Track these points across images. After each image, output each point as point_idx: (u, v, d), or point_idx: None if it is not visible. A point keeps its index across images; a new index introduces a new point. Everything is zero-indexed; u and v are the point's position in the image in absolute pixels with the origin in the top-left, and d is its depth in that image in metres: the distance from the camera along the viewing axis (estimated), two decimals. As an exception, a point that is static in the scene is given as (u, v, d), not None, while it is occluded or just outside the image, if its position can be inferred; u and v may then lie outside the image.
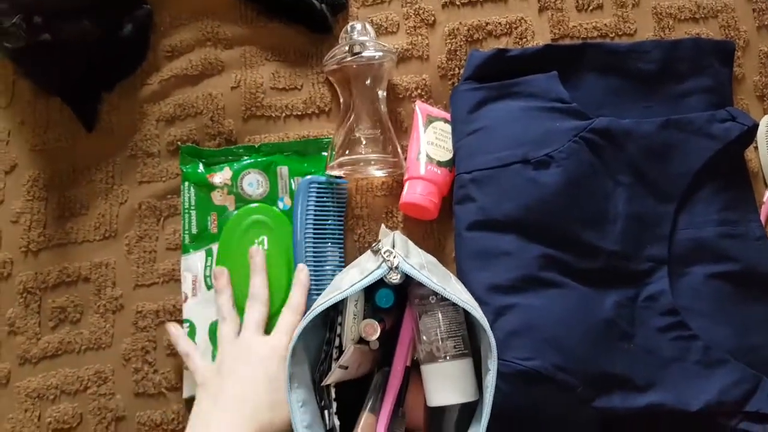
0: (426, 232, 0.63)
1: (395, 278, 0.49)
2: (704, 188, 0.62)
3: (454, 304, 0.52)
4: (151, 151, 0.66)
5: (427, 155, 0.62)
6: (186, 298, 0.61)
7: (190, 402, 0.59)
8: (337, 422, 0.49)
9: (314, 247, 0.62)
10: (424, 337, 0.52)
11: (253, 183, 0.63)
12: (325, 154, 0.65)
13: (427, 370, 0.52)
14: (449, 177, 0.62)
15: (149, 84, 0.67)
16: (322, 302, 0.48)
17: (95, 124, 0.66)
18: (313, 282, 0.61)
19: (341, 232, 0.63)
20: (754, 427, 0.57)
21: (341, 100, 0.64)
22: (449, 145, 0.63)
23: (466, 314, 0.52)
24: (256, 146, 0.64)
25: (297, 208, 0.63)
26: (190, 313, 0.60)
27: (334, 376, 0.50)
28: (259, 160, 0.64)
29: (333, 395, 0.51)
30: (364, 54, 0.62)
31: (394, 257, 0.48)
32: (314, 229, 0.62)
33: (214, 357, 0.59)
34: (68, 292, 0.63)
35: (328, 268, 0.62)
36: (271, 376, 0.53)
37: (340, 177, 0.64)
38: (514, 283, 0.57)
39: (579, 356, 0.55)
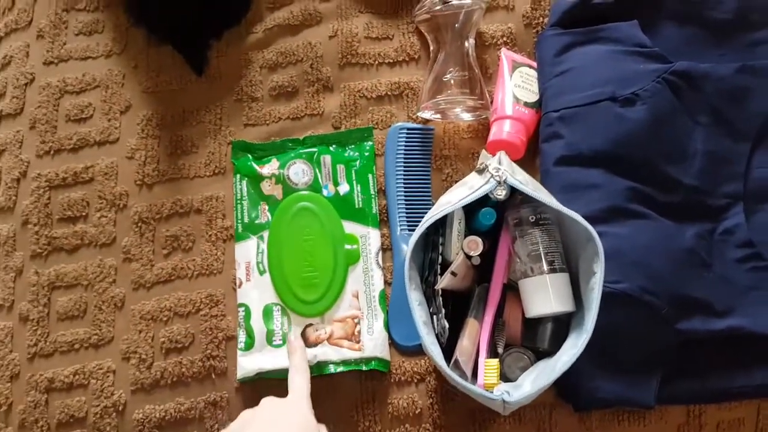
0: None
1: (501, 194, 0.53)
2: (778, 128, 0.66)
3: (551, 225, 0.56)
4: (256, 96, 0.70)
5: (515, 96, 0.66)
6: (240, 283, 0.65)
7: (243, 384, 0.63)
8: (446, 324, 0.53)
9: (405, 189, 0.66)
10: (522, 257, 0.56)
11: (299, 172, 0.67)
12: (365, 143, 0.68)
13: (525, 283, 0.55)
14: (536, 117, 0.67)
15: (254, 33, 0.72)
16: (435, 213, 0.52)
17: (204, 70, 0.71)
18: (405, 220, 0.65)
19: (428, 174, 0.67)
20: (831, 350, 0.61)
21: (431, 49, 0.69)
22: (535, 88, 0.67)
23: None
24: (301, 139, 0.68)
25: (387, 153, 0.67)
26: (245, 298, 0.64)
27: (446, 281, 0.54)
28: (304, 151, 0.68)
29: (441, 302, 0.55)
30: (454, 2, 0.66)
31: (502, 173, 0.52)
32: (404, 171, 0.67)
33: (268, 337, 0.63)
34: (181, 222, 0.67)
35: (418, 208, 0.66)
36: None
37: (427, 122, 0.68)
38: (602, 213, 0.61)
39: (663, 280, 0.59)
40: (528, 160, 0.67)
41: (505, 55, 0.69)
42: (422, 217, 0.56)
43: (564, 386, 0.61)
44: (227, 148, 0.69)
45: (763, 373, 0.61)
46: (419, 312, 0.51)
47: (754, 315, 0.60)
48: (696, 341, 0.60)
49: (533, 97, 0.67)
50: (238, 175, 0.67)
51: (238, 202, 0.66)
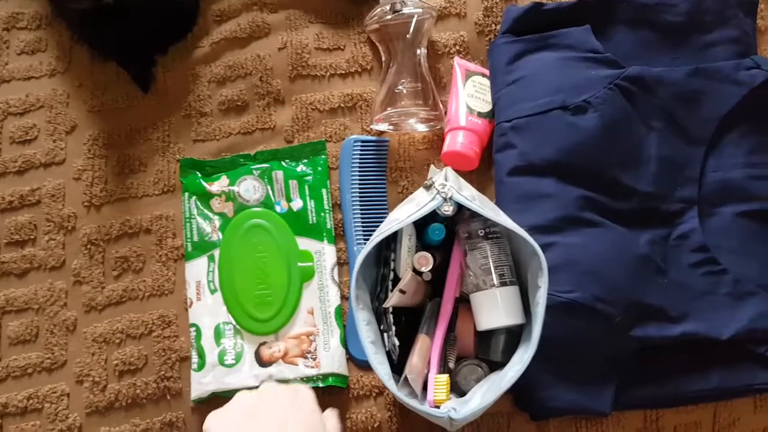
0: (467, 182, 0.67)
1: (448, 210, 0.52)
2: (732, 132, 0.65)
3: (500, 239, 0.56)
4: (205, 111, 0.69)
5: (468, 107, 0.66)
6: (191, 303, 0.64)
7: (197, 405, 0.62)
8: (396, 342, 0.53)
9: (360, 202, 0.66)
10: (473, 270, 0.55)
11: (250, 189, 0.65)
12: (319, 157, 0.67)
13: (476, 297, 0.55)
14: (489, 127, 0.66)
15: (201, 47, 0.70)
16: (384, 230, 0.52)
17: (150, 86, 0.69)
18: (361, 234, 0.65)
19: (384, 187, 0.67)
20: (783, 354, 0.61)
21: (383, 59, 0.68)
22: (488, 97, 0.67)
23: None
24: (253, 154, 0.67)
25: (342, 166, 0.67)
26: (196, 318, 0.63)
27: (394, 299, 0.53)
28: (255, 166, 0.66)
29: (391, 320, 0.54)
30: (404, 11, 0.65)
31: (448, 189, 0.52)
32: (360, 184, 0.66)
33: (220, 357, 0.61)
34: (130, 243, 0.66)
35: (374, 221, 0.65)
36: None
37: (382, 133, 0.68)
38: (555, 223, 0.61)
39: (617, 288, 0.59)
40: (483, 170, 0.66)
41: (458, 64, 0.68)
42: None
43: (520, 395, 0.61)
44: (176, 165, 0.68)
45: (718, 377, 0.61)
46: (366, 332, 0.51)
47: (708, 320, 0.61)
48: (652, 347, 0.60)
49: (486, 107, 0.66)
50: (187, 194, 0.66)
51: (188, 220, 0.65)
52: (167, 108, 0.69)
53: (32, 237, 0.67)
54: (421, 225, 0.57)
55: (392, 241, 0.57)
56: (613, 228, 0.61)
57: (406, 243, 0.56)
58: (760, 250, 0.63)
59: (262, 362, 0.62)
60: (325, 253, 0.64)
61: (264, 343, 0.62)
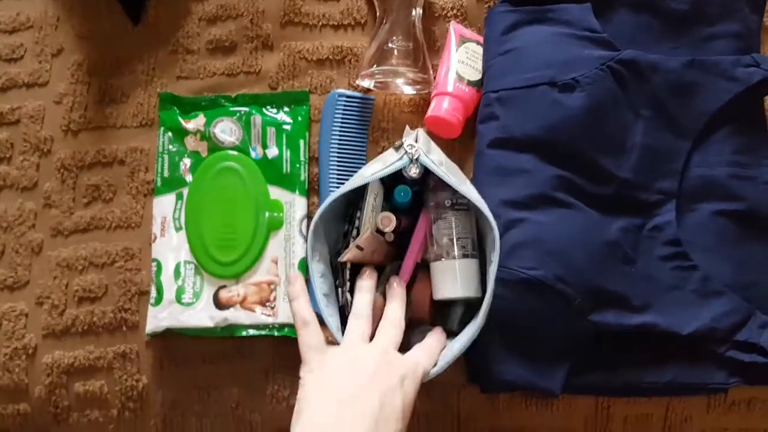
0: (448, 150, 0.65)
1: (414, 172, 0.52)
2: (721, 129, 0.64)
3: (467, 210, 0.55)
4: (192, 49, 0.68)
5: (457, 73, 0.64)
6: (155, 238, 0.63)
7: (152, 338, 0.62)
8: (349, 298, 0.53)
9: (338, 158, 0.65)
10: (436, 239, 0.55)
11: (226, 130, 0.65)
12: (301, 107, 0.66)
13: (436, 266, 0.55)
14: (476, 97, 0.65)
15: (195, -18, 0.69)
16: (346, 187, 0.51)
17: (141, 19, 0.69)
18: (335, 190, 0.64)
19: (364, 145, 0.66)
20: (741, 356, 0.60)
21: (377, 15, 0.67)
22: (479, 65, 0.65)
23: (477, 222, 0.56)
24: (233, 96, 0.66)
25: (323, 119, 0.66)
26: (158, 253, 0.63)
27: (350, 254, 0.53)
28: (234, 108, 0.65)
29: (348, 276, 0.54)
30: (404, -32, 0.64)
31: (416, 150, 0.51)
32: (339, 140, 0.65)
33: (178, 294, 0.61)
34: (103, 172, 0.66)
35: (350, 178, 0.64)
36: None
37: (368, 91, 0.67)
38: (527, 199, 0.60)
39: (580, 270, 0.58)
40: (466, 140, 0.65)
41: (454, 28, 0.67)
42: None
43: (472, 366, 0.61)
44: (157, 99, 0.67)
45: (673, 371, 0.61)
46: (320, 284, 0.51)
47: (670, 314, 0.60)
48: (609, 334, 0.60)
49: (476, 76, 0.65)
50: (162, 128, 0.65)
51: (160, 155, 0.65)
52: (155, 42, 0.68)
53: (8, 156, 0.67)
54: (390, 187, 0.57)
55: (360, 199, 0.57)
56: (586, 211, 0.61)
57: (371, 202, 0.55)
58: (734, 251, 0.62)
59: (220, 305, 0.62)
60: (296, 205, 0.64)
61: (223, 287, 0.62)
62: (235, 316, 0.61)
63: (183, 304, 0.61)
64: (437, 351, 0.52)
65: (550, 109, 0.61)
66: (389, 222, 0.55)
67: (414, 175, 0.52)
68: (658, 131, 0.63)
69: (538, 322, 0.59)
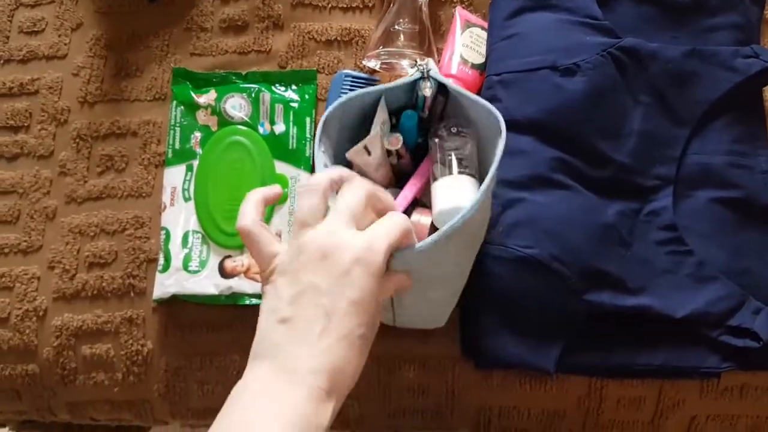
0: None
1: (427, 90, 0.53)
2: (719, 119, 0.65)
3: (469, 137, 0.55)
4: (205, 26, 0.71)
5: (461, 56, 0.66)
6: (164, 207, 0.65)
7: (158, 304, 0.64)
8: None
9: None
10: (440, 161, 0.55)
11: (236, 106, 0.67)
12: (309, 85, 0.68)
13: (436, 186, 0.55)
14: (479, 80, 0.66)
15: (211, -37, 0.72)
16: (359, 92, 0.52)
17: (157, -4, 0.72)
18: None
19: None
20: (734, 341, 0.61)
21: (385, -1, 0.69)
22: (483, 50, 0.67)
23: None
24: (244, 73, 0.68)
25: (330, 98, 0.67)
26: (167, 222, 0.65)
27: (357, 152, 0.54)
28: (244, 85, 0.67)
29: None
30: (413, -49, 0.66)
31: (428, 64, 0.53)
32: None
33: (185, 262, 0.63)
34: (117, 143, 0.69)
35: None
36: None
37: (374, 72, 0.69)
38: (525, 180, 0.61)
39: (576, 251, 0.60)
40: (468, 121, 0.67)
41: (460, 13, 0.68)
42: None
43: (468, 341, 0.63)
44: (170, 74, 0.69)
45: (665, 354, 0.61)
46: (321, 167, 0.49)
47: (665, 297, 0.61)
48: (603, 315, 0.61)
49: (479, 59, 0.67)
50: (175, 102, 0.67)
51: (172, 127, 0.67)
52: (170, 19, 0.71)
53: (26, 124, 0.70)
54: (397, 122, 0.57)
55: (368, 125, 0.56)
56: (583, 193, 0.62)
57: (380, 122, 0.55)
58: (729, 238, 0.63)
59: (225, 273, 0.64)
60: (301, 180, 0.65)
61: (229, 256, 0.64)
62: (239, 285, 0.63)
63: (189, 272, 0.63)
64: (398, 229, 0.42)
65: (551, 93, 0.62)
66: (397, 142, 0.56)
67: (426, 93, 0.53)
68: (656, 118, 0.64)
69: (534, 300, 0.60)
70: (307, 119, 0.67)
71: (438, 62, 0.67)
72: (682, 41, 0.66)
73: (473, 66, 0.66)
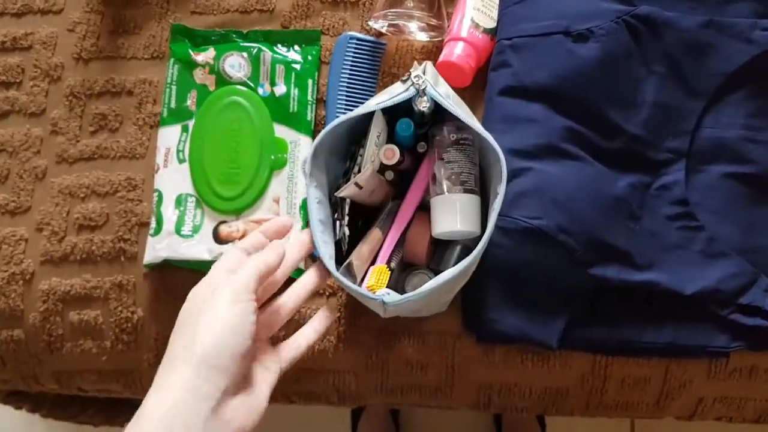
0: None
1: (424, 105, 0.51)
2: (735, 92, 0.63)
3: (471, 147, 0.54)
4: (207, -16, 0.68)
5: (472, 20, 0.64)
6: (158, 168, 0.63)
7: (150, 270, 0.62)
8: (347, 231, 0.52)
9: (347, 101, 0.65)
10: (439, 175, 0.54)
11: (235, 65, 0.64)
12: (313, 47, 0.66)
13: (436, 201, 0.54)
14: (489, 45, 0.64)
15: None
16: (351, 114, 0.51)
17: (158, -49, 0.69)
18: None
19: (373, 90, 0.65)
20: (744, 319, 0.59)
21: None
22: (495, 14, 0.65)
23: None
24: (245, 32, 0.66)
25: (333, 61, 0.65)
26: (160, 184, 0.63)
27: (348, 190, 0.52)
28: (245, 44, 0.65)
29: (347, 211, 0.53)
30: None
31: (423, 82, 0.50)
32: (348, 83, 0.65)
33: (177, 226, 0.61)
34: (111, 102, 0.66)
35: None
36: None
37: (381, 35, 0.66)
38: (534, 149, 0.59)
39: (584, 223, 0.58)
40: (477, 89, 0.65)
41: (470, -24, 0.66)
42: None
43: (469, 314, 0.61)
44: (169, 32, 0.67)
45: (673, 331, 0.60)
46: (316, 210, 0.50)
47: (674, 272, 0.59)
48: (609, 290, 0.59)
49: (491, 23, 0.64)
50: (172, 59, 0.65)
51: (168, 86, 0.64)
52: (171, -25, 0.69)
53: (18, 80, 0.67)
54: (393, 128, 0.56)
55: (363, 137, 0.56)
56: (593, 164, 0.60)
57: (374, 137, 0.55)
58: (742, 214, 0.61)
59: (219, 239, 0.61)
60: (301, 144, 0.63)
61: (224, 222, 0.62)
62: (234, 251, 0.61)
63: (182, 236, 0.61)
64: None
65: (563, 59, 0.60)
66: (392, 154, 0.54)
67: (423, 109, 0.51)
68: (670, 89, 0.62)
69: (538, 273, 0.59)
70: (310, 81, 0.64)
71: (448, 26, 0.64)
72: (700, 12, 0.64)
73: (484, 30, 0.64)
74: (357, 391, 0.64)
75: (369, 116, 0.53)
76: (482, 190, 0.55)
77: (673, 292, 0.59)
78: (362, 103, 0.64)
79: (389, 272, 0.52)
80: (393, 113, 0.54)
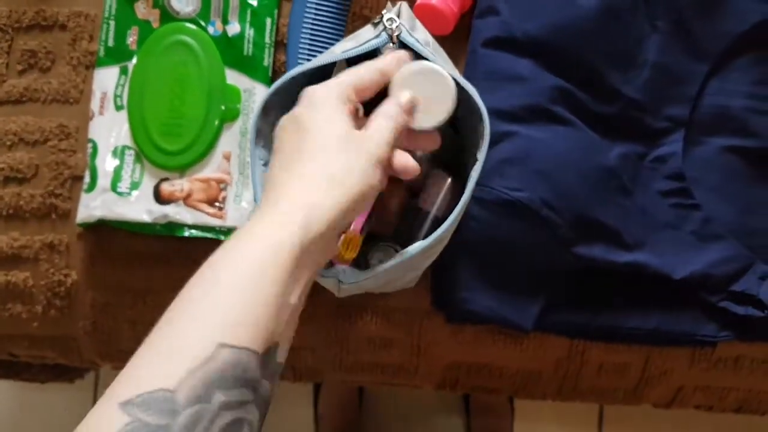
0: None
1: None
2: (743, 56, 0.57)
3: None
4: None
5: (455, -43, 0.56)
6: (93, 115, 0.56)
7: (85, 229, 0.56)
8: None
9: (310, 45, 0.57)
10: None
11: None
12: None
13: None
14: (475, -15, 0.57)
15: None
16: (311, 64, 0.44)
17: None
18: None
19: (341, 34, 0.58)
20: (736, 308, 0.55)
21: None
22: (481, -48, 0.57)
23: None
24: None
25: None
26: (95, 133, 0.56)
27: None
28: None
29: None
30: None
31: (397, 27, 0.43)
32: (313, 25, 0.57)
33: (113, 182, 0.54)
34: (42, 37, 0.58)
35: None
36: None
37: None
38: (520, 111, 0.53)
39: (570, 196, 0.52)
40: (459, 38, 0.57)
41: None
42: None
43: (439, 293, 0.55)
44: (108, -42, 0.59)
45: (659, 318, 0.55)
46: (260, 173, 0.43)
47: (664, 254, 0.54)
48: (593, 270, 0.54)
49: (477, -37, 0.57)
50: (111, -10, 0.57)
51: (105, 21, 0.56)
52: None
53: (-67, 9, 0.59)
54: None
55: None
56: (584, 131, 0.54)
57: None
58: (741, 192, 0.56)
59: (161, 199, 0.55)
60: (256, 94, 0.56)
61: (166, 179, 0.55)
62: (177, 212, 0.54)
63: (118, 194, 0.54)
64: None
65: (559, 6, 0.53)
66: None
67: None
68: (674, 49, 0.55)
69: (516, 249, 0.53)
70: (268, 21, 0.56)
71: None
72: (713, -36, 0.57)
73: (468, -28, 0.56)
74: (314, 367, 0.59)
75: (332, 65, 0.45)
76: (460, 159, 0.49)
77: (661, 275, 0.54)
78: (328, 47, 0.57)
79: (360, 241, 0.46)
80: (361, 60, 0.47)
